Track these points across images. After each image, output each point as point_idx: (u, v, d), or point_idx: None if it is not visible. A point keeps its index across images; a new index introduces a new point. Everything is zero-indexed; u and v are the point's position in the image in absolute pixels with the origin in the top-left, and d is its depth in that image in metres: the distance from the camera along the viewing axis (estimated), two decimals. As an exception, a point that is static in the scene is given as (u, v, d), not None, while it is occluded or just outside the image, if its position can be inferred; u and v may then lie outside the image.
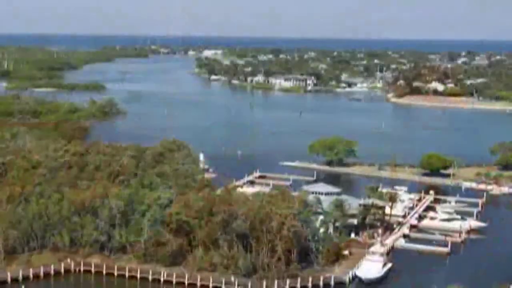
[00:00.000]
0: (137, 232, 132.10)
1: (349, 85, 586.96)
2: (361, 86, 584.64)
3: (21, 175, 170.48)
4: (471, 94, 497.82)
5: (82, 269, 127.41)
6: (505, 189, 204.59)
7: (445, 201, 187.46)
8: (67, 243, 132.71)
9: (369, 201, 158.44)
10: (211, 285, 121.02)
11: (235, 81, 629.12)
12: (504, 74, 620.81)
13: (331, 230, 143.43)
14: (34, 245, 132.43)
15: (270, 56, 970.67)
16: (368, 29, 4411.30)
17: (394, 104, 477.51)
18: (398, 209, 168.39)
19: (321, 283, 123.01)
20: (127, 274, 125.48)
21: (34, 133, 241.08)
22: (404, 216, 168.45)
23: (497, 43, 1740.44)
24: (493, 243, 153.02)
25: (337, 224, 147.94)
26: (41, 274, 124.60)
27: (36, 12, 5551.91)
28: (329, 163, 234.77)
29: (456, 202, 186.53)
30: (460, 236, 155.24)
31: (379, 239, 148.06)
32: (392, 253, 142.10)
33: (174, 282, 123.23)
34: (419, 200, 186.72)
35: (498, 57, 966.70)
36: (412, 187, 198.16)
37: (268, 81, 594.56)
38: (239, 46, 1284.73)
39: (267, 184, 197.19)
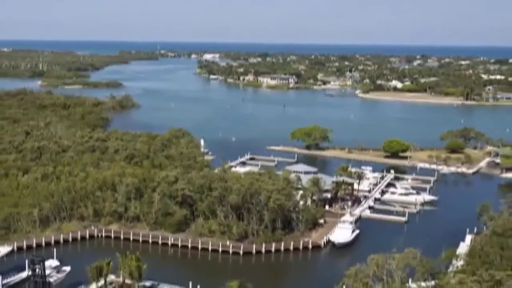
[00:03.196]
0: (149, 204, 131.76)
1: (324, 83, 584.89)
2: (334, 84, 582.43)
3: (53, 157, 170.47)
4: (425, 91, 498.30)
5: (103, 235, 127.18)
6: (452, 169, 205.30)
7: (403, 179, 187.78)
8: (91, 214, 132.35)
9: (340, 178, 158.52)
10: (210, 248, 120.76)
11: (230, 80, 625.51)
12: (452, 74, 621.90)
13: (309, 202, 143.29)
14: (64, 215, 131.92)
15: (259, 59, 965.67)
16: (340, 36, 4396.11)
17: (361, 99, 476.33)
18: (364, 185, 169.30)
19: (300, 247, 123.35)
20: (140, 239, 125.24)
21: (64, 123, 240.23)
22: (369, 191, 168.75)
23: (446, 48, 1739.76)
24: (443, 213, 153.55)
25: (314, 197, 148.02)
26: (70, 239, 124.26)
27: (65, 22, 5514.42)
28: (308, 147, 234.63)
29: (412, 179, 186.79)
30: (415, 207, 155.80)
31: (348, 210, 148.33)
32: (359, 222, 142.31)
33: (179, 245, 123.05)
34: (382, 178, 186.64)
35: (447, 60, 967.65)
36: (376, 167, 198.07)
37: (257, 80, 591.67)
38: (233, 51, 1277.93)
39: (256, 165, 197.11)
